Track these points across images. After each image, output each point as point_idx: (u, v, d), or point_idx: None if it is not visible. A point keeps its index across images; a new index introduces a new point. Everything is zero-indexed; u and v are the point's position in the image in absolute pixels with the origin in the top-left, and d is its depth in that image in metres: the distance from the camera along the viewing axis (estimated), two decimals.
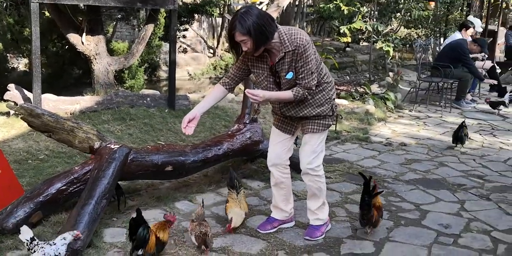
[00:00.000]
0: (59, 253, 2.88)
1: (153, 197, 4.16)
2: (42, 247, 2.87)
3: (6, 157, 4.69)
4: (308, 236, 3.55)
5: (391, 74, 10.59)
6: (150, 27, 7.00)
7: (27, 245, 2.88)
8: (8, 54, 9.34)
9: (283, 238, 3.57)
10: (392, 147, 6.12)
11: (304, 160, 3.41)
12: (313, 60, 3.11)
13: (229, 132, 4.51)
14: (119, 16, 9.78)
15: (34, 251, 2.87)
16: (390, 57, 11.89)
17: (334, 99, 3.38)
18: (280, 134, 3.50)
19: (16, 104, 5.72)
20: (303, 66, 3.08)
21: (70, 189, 3.67)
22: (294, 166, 3.73)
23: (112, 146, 3.78)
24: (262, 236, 3.58)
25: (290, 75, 3.12)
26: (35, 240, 2.90)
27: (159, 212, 3.92)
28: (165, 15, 8.31)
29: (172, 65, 6.50)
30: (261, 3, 9.84)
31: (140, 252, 3.03)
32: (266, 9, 8.12)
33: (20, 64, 9.93)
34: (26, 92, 5.81)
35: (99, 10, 6.75)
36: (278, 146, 3.51)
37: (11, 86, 5.83)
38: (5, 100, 5.86)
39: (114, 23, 10.92)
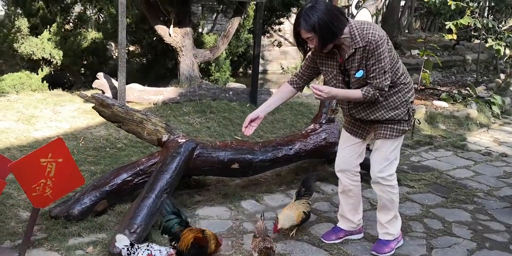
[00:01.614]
0: None
1: (220, 193, 4.04)
2: (147, 250, 2.81)
3: (86, 144, 4.86)
4: (375, 252, 3.23)
5: (502, 75, 9.66)
6: (236, 20, 6.89)
7: (127, 250, 2.83)
8: (111, 43, 9.79)
9: (347, 250, 3.28)
10: (491, 158, 5.50)
11: (375, 168, 3.09)
12: (387, 58, 2.77)
13: (303, 132, 4.27)
14: (220, 8, 9.82)
15: (137, 254, 2.81)
16: (506, 57, 10.87)
17: (411, 102, 3.01)
18: (350, 138, 3.20)
19: (103, 92, 5.91)
20: (375, 64, 2.77)
21: (135, 180, 3.66)
22: (366, 167, 3.36)
23: (179, 140, 3.71)
24: (325, 246, 3.33)
25: (360, 74, 2.82)
26: (134, 245, 2.85)
27: (224, 210, 3.81)
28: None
29: (256, 59, 6.35)
30: None
31: (174, 243, 3.00)
32: (364, 2, 7.69)
33: None
34: (113, 81, 5.97)
35: (188, 2, 6.75)
36: (346, 151, 3.21)
37: (100, 74, 6.03)
38: (94, 88, 6.07)
39: (215, 15, 11.02)
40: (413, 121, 3.10)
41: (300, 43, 2.86)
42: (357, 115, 3.05)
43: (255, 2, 6.33)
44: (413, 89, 3.05)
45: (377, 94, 2.84)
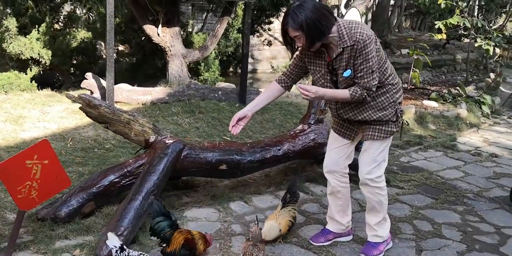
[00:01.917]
0: None
1: (208, 195, 4.01)
2: None
3: (74, 145, 4.82)
4: (364, 254, 3.21)
5: (491, 75, 9.70)
6: (225, 20, 6.87)
7: (115, 252, 2.77)
8: (101, 42, 9.72)
9: (336, 253, 3.26)
10: (481, 158, 5.51)
11: (363, 169, 3.08)
12: (375, 57, 2.76)
13: (292, 133, 4.25)
14: (209, 7, 9.78)
15: None
16: (495, 56, 10.94)
17: (399, 103, 3.00)
18: (338, 139, 3.18)
19: (91, 92, 5.86)
20: (362, 64, 2.75)
21: (123, 182, 3.63)
22: (355, 168, 3.30)
23: (167, 141, 3.68)
24: (314, 248, 3.30)
25: (347, 73, 2.80)
26: (125, 250, 2.79)
27: (212, 211, 3.78)
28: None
29: (245, 58, 6.32)
30: None
31: (163, 245, 2.97)
32: (353, 1, 7.68)
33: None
34: (102, 81, 5.92)
35: (177, 2, 6.71)
36: (335, 152, 3.19)
37: (88, 74, 5.98)
38: (83, 88, 6.02)
39: (205, 14, 10.99)
40: (401, 122, 3.09)
41: (288, 41, 2.84)
42: (344, 115, 3.03)
43: (243, 2, 6.30)
44: (401, 90, 3.04)
45: (365, 94, 2.82)
